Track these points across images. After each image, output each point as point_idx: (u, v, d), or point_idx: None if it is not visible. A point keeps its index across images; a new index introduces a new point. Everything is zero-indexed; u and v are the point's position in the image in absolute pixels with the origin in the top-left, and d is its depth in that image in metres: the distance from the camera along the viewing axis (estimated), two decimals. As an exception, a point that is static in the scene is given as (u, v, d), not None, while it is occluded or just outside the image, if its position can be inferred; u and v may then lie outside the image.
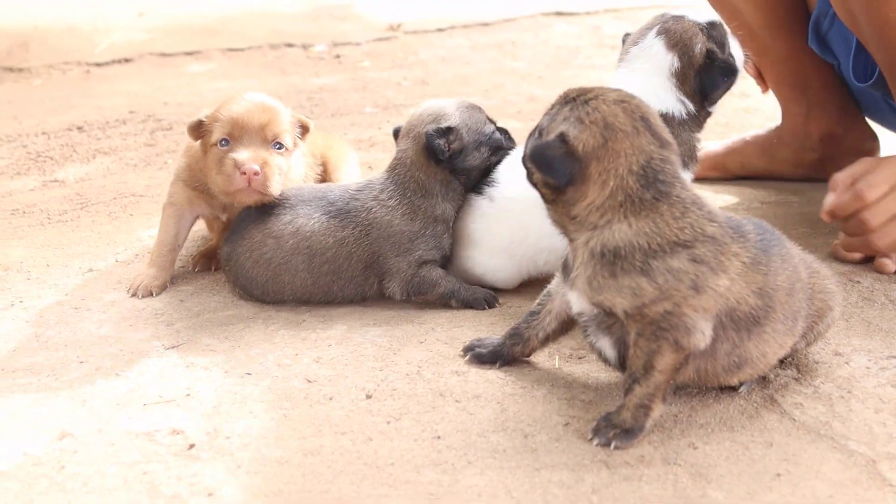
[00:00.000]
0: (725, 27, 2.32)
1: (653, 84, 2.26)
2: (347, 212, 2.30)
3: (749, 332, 1.79)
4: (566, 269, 1.85)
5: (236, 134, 2.30)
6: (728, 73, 2.24)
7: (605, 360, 1.89)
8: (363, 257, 2.29)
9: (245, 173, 2.25)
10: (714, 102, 2.28)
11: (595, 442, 1.76)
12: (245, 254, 2.31)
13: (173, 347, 2.14)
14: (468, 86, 4.34)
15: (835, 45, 2.83)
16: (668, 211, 1.74)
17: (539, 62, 4.73)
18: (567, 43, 5.07)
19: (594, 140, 1.74)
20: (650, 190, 1.74)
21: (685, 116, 2.27)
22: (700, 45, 2.25)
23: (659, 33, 2.28)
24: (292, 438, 1.80)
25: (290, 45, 5.10)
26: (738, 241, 1.77)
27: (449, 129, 2.32)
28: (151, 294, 2.37)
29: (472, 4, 5.92)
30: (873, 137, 3.05)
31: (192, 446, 1.78)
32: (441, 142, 2.30)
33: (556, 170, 1.75)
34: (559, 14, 5.65)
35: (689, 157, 2.27)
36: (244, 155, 2.27)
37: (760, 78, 3.10)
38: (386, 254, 2.29)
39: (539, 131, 1.85)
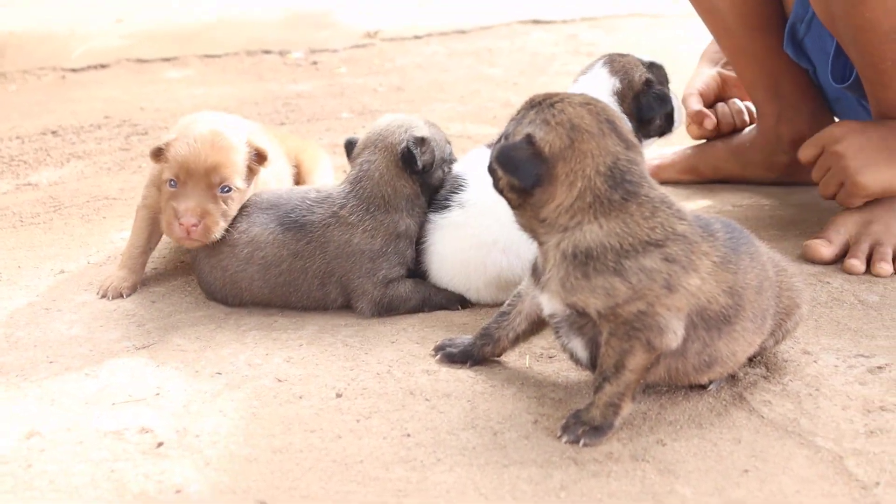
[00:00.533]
0: (664, 70, 2.54)
1: None
2: (302, 225, 2.26)
3: (720, 332, 1.79)
4: (536, 272, 1.86)
5: (182, 177, 2.25)
6: (663, 102, 2.45)
7: (577, 361, 1.89)
8: (318, 273, 2.26)
9: (183, 225, 2.22)
10: (649, 134, 2.49)
11: (564, 439, 1.76)
12: (204, 259, 2.31)
13: (144, 348, 2.13)
14: (444, 92, 4.34)
15: (810, 50, 2.85)
16: (638, 210, 1.74)
17: (515, 69, 4.74)
18: (543, 50, 5.08)
19: (560, 141, 1.75)
20: (618, 190, 1.74)
21: None
22: (640, 74, 2.47)
23: (605, 63, 2.51)
24: (261, 436, 1.80)
25: (267, 52, 5.09)
26: (708, 240, 1.78)
27: (423, 140, 2.31)
28: (121, 295, 2.37)
29: (449, 13, 5.93)
30: None
31: (160, 444, 1.77)
32: (417, 151, 2.28)
33: (523, 171, 1.75)
34: (536, 22, 5.65)
35: None
36: (184, 205, 2.23)
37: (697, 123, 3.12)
38: (348, 274, 2.26)
39: (505, 136, 1.86)
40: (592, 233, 1.73)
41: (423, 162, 2.29)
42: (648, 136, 2.49)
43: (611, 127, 1.78)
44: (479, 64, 4.86)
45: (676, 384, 1.91)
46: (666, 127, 2.51)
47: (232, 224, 2.28)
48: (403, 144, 2.29)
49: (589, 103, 1.80)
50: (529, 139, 1.76)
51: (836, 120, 3.06)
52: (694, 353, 1.80)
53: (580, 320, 1.79)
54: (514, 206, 1.84)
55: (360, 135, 2.39)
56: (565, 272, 1.75)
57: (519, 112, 1.85)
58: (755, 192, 3.06)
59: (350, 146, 2.39)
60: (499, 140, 1.89)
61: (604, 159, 1.75)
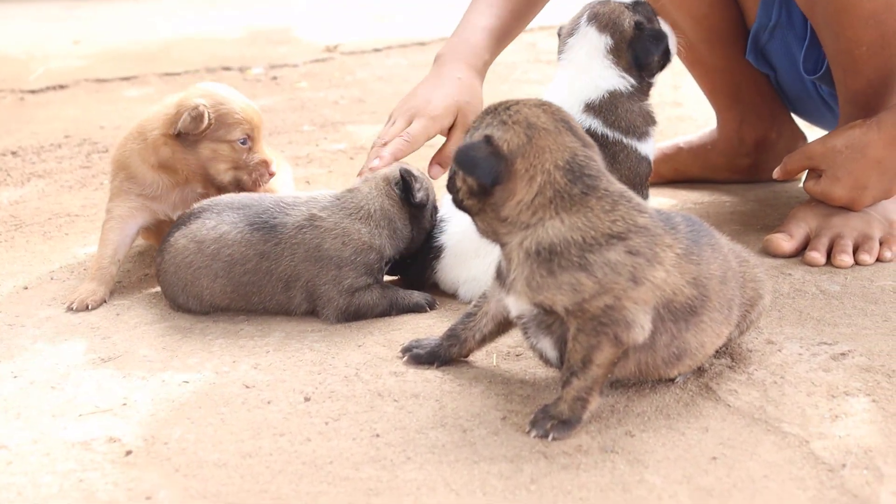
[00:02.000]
0: (648, 5, 2.47)
1: (594, 66, 2.41)
2: (273, 226, 2.26)
3: (687, 323, 1.80)
4: (500, 275, 1.86)
5: (253, 134, 2.54)
6: (658, 39, 2.41)
7: (547, 361, 1.89)
8: (283, 276, 2.26)
9: (273, 174, 2.58)
10: (652, 73, 2.45)
11: (533, 434, 1.77)
12: (170, 259, 2.30)
13: (110, 359, 2.12)
14: (406, 102, 4.35)
15: (773, 56, 2.89)
16: (598, 204, 1.75)
17: (476, 78, 4.76)
18: (503, 59, 5.07)
19: (518, 138, 1.76)
20: (578, 184, 1.75)
21: (631, 89, 2.42)
22: (628, 20, 2.40)
23: (589, 19, 2.43)
24: (230, 442, 1.79)
25: (226, 69, 5.10)
26: (670, 233, 1.79)
27: (418, 177, 2.35)
28: (87, 308, 2.35)
29: (408, 25, 5.96)
30: (803, 139, 3.11)
31: (128, 453, 1.76)
32: (413, 182, 2.32)
33: (482, 168, 1.75)
34: (495, 32, 5.69)
35: (645, 121, 2.44)
36: (264, 157, 2.57)
37: None
38: (314, 280, 2.25)
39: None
40: (555, 228, 1.73)
41: (418, 196, 2.32)
42: (652, 74, 2.45)
43: (566, 126, 1.80)
44: (440, 74, 4.87)
45: (647, 379, 1.91)
46: (664, 59, 2.46)
47: (201, 222, 2.30)
48: (397, 173, 2.33)
49: (544, 104, 1.82)
50: (488, 139, 1.77)
51: (795, 120, 3.11)
52: (663, 345, 1.81)
53: (548, 319, 1.80)
54: (475, 213, 1.83)
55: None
56: (530, 271, 1.75)
57: (475, 121, 1.86)
58: (715, 190, 3.10)
59: None
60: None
61: (561, 154, 1.76)
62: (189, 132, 2.46)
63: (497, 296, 1.92)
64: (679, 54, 2.54)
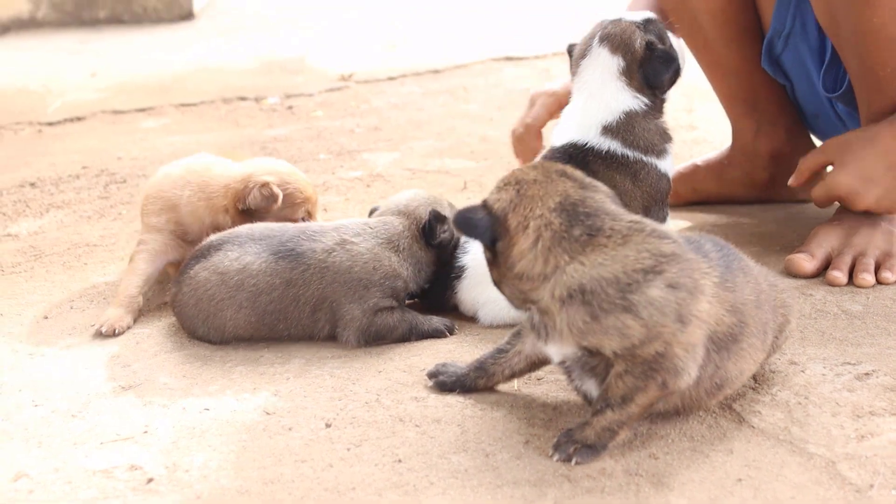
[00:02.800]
0: (660, 23, 2.47)
1: (608, 88, 2.41)
2: (300, 254, 2.27)
3: (728, 352, 1.78)
4: (536, 328, 1.81)
5: (312, 211, 2.65)
6: (668, 60, 2.40)
7: (590, 402, 1.85)
8: (311, 300, 2.26)
9: None
10: (664, 90, 2.44)
11: (556, 458, 1.76)
12: (189, 292, 2.30)
13: (130, 387, 2.12)
14: (421, 130, 4.36)
15: (788, 67, 2.88)
16: (610, 241, 1.72)
17: (491, 105, 4.77)
18: (517, 86, 5.12)
19: (508, 195, 1.80)
20: (577, 226, 1.73)
21: (645, 108, 2.42)
22: (639, 41, 2.40)
23: (601, 40, 2.42)
24: (252, 469, 1.78)
25: (242, 99, 5.11)
26: (704, 260, 1.77)
27: (444, 218, 2.37)
28: (115, 333, 2.36)
29: (422, 53, 5.97)
30: None
31: (150, 480, 1.76)
32: (438, 226, 2.35)
33: (478, 228, 1.80)
34: (509, 59, 5.70)
35: (663, 138, 2.45)
36: None
37: None
38: (340, 299, 2.26)
39: None
40: (577, 271, 1.70)
41: (441, 237, 2.36)
42: (664, 91, 2.44)
43: (560, 174, 1.82)
44: (455, 101, 4.89)
45: (688, 412, 1.88)
46: (675, 76, 2.45)
47: (223, 253, 2.30)
48: (426, 218, 2.36)
49: (540, 164, 1.86)
50: (484, 203, 1.83)
51: (812, 136, 3.09)
52: (707, 377, 1.78)
53: (592, 361, 1.76)
54: (500, 284, 1.84)
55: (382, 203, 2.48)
56: (571, 318, 1.71)
57: None
58: (734, 212, 3.08)
59: (372, 213, 2.48)
60: None
61: (552, 197, 1.77)
62: (259, 209, 2.54)
63: (533, 340, 1.88)
64: (696, 54, 2.54)
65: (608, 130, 2.39)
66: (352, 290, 2.25)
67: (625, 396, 1.72)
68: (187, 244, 2.60)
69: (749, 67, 2.96)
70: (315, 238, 2.30)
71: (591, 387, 1.81)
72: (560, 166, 1.84)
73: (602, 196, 1.81)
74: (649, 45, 2.39)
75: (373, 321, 2.25)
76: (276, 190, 2.53)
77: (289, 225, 2.40)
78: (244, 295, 2.26)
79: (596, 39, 2.44)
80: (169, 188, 2.64)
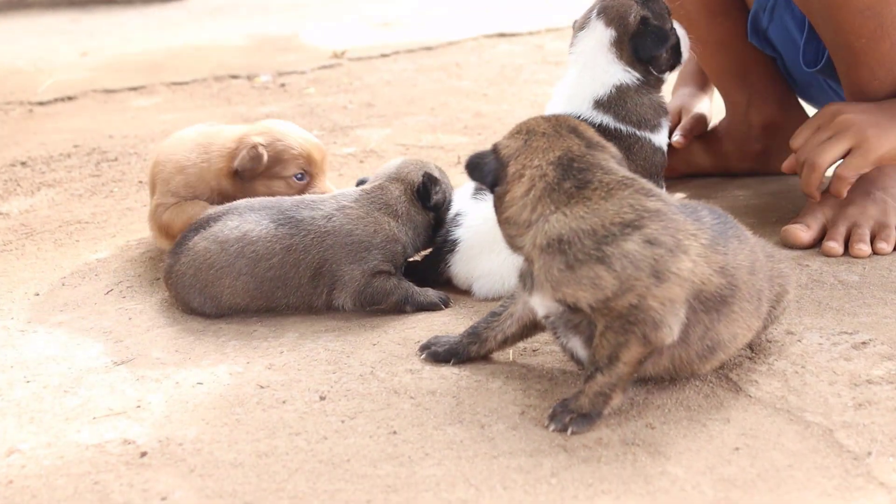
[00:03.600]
0: (664, 4, 2.44)
1: (599, 61, 2.40)
2: (300, 220, 2.28)
3: (719, 314, 1.77)
4: (524, 278, 1.85)
5: (311, 170, 2.61)
6: (660, 37, 2.37)
7: (578, 361, 1.87)
8: (312, 265, 2.26)
9: None
10: (661, 69, 2.43)
11: (552, 427, 1.75)
12: (187, 262, 2.29)
13: (123, 363, 2.10)
14: (414, 105, 4.34)
15: (775, 39, 2.86)
16: (595, 194, 1.75)
17: (484, 80, 4.75)
18: (511, 61, 5.10)
19: (516, 144, 1.85)
20: (568, 179, 1.76)
21: (637, 83, 2.40)
22: (634, 14, 2.38)
23: (599, 13, 2.41)
24: (246, 442, 1.77)
25: (234, 77, 5.08)
26: (693, 222, 1.76)
27: (437, 180, 2.38)
28: None
29: (414, 30, 5.95)
30: None
31: (143, 454, 1.75)
32: (433, 188, 2.36)
33: (481, 172, 1.86)
34: (502, 35, 5.68)
35: (657, 112, 2.43)
36: (322, 190, 2.60)
37: None
38: (339, 261, 2.26)
39: None
40: (559, 221, 1.73)
41: (434, 199, 2.37)
42: (661, 71, 2.43)
43: (570, 130, 1.85)
44: (448, 78, 4.87)
45: (680, 375, 1.87)
46: (675, 60, 2.45)
47: (222, 223, 2.29)
48: (420, 180, 2.37)
49: (556, 118, 1.89)
50: (494, 147, 1.88)
51: (804, 107, 3.08)
52: (697, 338, 1.77)
53: (575, 318, 1.77)
54: (499, 224, 1.87)
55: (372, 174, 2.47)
56: (548, 265, 1.73)
57: None
58: (729, 184, 3.07)
59: (360, 184, 2.46)
60: None
61: (554, 152, 1.81)
62: (246, 170, 2.53)
63: (523, 298, 1.90)
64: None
65: (600, 104, 2.37)
66: (353, 252, 2.26)
67: (611, 356, 1.72)
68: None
69: (736, 41, 2.94)
70: (314, 206, 2.31)
71: (576, 345, 1.82)
72: (574, 122, 1.88)
73: (605, 155, 1.84)
74: (644, 20, 2.38)
75: (370, 282, 2.25)
76: (261, 151, 2.53)
77: (286, 197, 2.39)
78: (243, 262, 2.25)
79: (595, 12, 2.43)
80: (180, 151, 2.65)
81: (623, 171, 1.80)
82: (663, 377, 1.87)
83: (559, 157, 1.79)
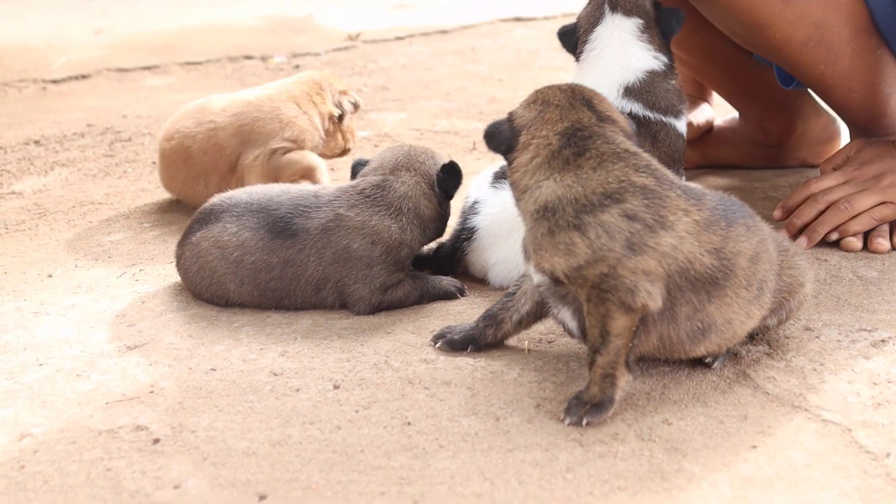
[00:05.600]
0: None
1: (630, 49, 2.39)
2: (295, 233, 2.20)
3: (709, 294, 1.74)
4: (525, 248, 1.86)
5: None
6: (679, 17, 2.41)
7: (570, 333, 1.86)
8: (312, 280, 2.21)
9: None
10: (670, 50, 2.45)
11: (567, 421, 1.73)
12: (192, 258, 2.27)
13: (136, 347, 2.09)
14: (429, 90, 4.32)
15: None
16: (587, 163, 1.76)
17: (499, 65, 4.73)
18: (527, 46, 5.07)
19: (531, 114, 1.88)
20: (569, 147, 1.79)
21: (664, 68, 2.40)
22: (647, 1, 2.41)
23: (612, 7, 2.40)
24: (259, 430, 1.76)
25: (248, 58, 5.07)
26: (689, 200, 1.74)
27: (453, 169, 2.32)
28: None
29: (430, 13, 5.92)
30: (832, 123, 3.05)
31: (156, 441, 1.74)
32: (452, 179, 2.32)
33: (495, 140, 1.90)
34: (518, 20, 5.65)
35: (680, 99, 2.43)
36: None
37: None
38: (344, 279, 2.20)
39: None
40: (549, 188, 1.76)
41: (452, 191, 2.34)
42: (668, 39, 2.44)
43: (583, 102, 1.87)
44: (464, 62, 4.84)
45: (673, 356, 1.85)
46: (677, 24, 2.44)
47: (222, 225, 2.26)
48: (438, 169, 2.31)
49: (572, 89, 1.90)
50: (510, 115, 1.92)
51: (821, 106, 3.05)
52: (685, 317, 1.75)
53: (561, 289, 1.78)
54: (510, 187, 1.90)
55: (373, 158, 2.37)
56: (533, 230, 1.76)
57: None
58: (746, 176, 3.05)
59: (358, 167, 2.36)
60: None
61: (563, 123, 1.83)
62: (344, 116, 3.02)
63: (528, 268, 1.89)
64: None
65: (630, 92, 2.35)
66: (354, 270, 2.20)
67: (601, 331, 1.70)
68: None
69: (746, 62, 2.91)
70: (309, 214, 2.21)
71: (566, 315, 1.83)
72: (590, 94, 1.90)
73: (614, 129, 1.84)
74: (656, 4, 2.41)
75: (382, 299, 2.21)
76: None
77: (284, 196, 2.28)
78: (245, 271, 2.22)
79: (606, 6, 2.41)
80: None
81: (626, 145, 1.80)
82: (657, 357, 1.85)
83: (566, 128, 1.82)
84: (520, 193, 1.83)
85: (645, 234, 1.68)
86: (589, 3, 2.46)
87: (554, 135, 1.81)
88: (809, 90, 2.87)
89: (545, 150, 1.81)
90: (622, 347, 1.71)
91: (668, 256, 1.69)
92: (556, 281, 1.75)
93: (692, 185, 1.82)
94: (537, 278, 1.81)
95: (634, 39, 2.38)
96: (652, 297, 1.69)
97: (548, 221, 1.73)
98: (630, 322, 1.70)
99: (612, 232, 1.68)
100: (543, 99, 1.88)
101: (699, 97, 3.16)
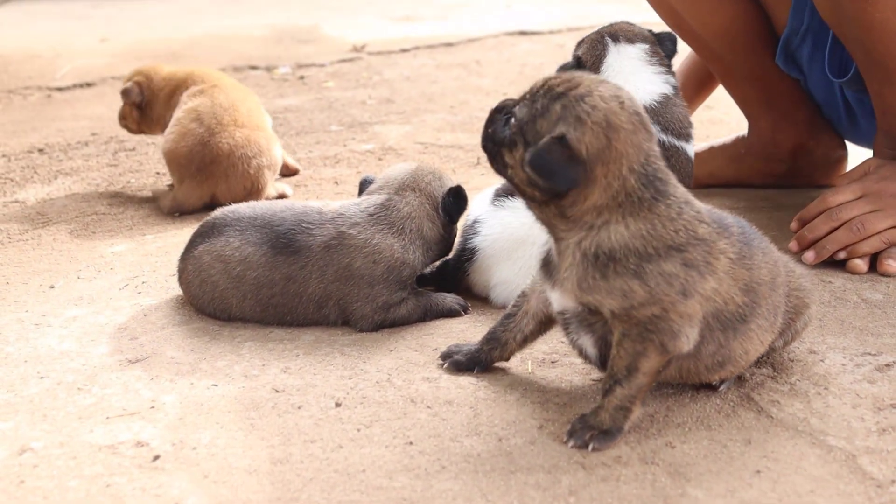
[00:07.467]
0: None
1: (643, 73, 2.44)
2: (297, 250, 2.20)
3: (735, 332, 1.75)
4: (548, 267, 1.78)
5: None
6: (674, 39, 2.48)
7: (586, 358, 1.84)
8: (314, 297, 2.20)
9: None
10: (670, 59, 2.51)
11: (571, 444, 1.72)
12: (194, 272, 2.27)
13: (137, 361, 2.09)
14: (434, 103, 4.32)
15: (803, 59, 2.83)
16: (666, 212, 1.67)
17: (504, 79, 4.73)
18: (531, 60, 5.07)
19: (598, 141, 1.63)
20: (649, 189, 1.66)
21: (674, 92, 2.44)
22: (643, 30, 2.47)
23: (613, 38, 2.46)
24: (260, 448, 1.75)
25: (253, 68, 5.07)
26: (724, 237, 1.72)
27: (459, 193, 2.30)
28: None
29: (435, 26, 5.92)
30: (842, 146, 3.05)
31: (156, 458, 1.73)
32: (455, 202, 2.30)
33: (559, 175, 1.64)
34: (523, 33, 5.66)
35: (689, 122, 2.46)
36: None
37: None
38: (346, 297, 2.19)
39: (521, 126, 1.70)
40: (618, 233, 1.66)
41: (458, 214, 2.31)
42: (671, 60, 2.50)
43: (639, 119, 1.68)
44: (468, 75, 4.84)
45: (686, 382, 1.86)
46: (672, 49, 2.50)
47: (224, 239, 2.24)
48: (444, 192, 2.28)
49: (619, 95, 1.68)
50: (563, 141, 1.63)
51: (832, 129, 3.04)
52: (708, 354, 1.76)
53: (591, 318, 1.74)
54: (535, 203, 1.73)
55: (379, 176, 2.36)
56: (583, 272, 1.67)
57: (534, 98, 1.71)
58: (752, 196, 3.04)
59: (365, 184, 2.36)
60: (495, 119, 1.79)
61: (637, 157, 1.66)
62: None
63: (540, 288, 1.86)
64: (707, 64, 2.57)
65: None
66: (356, 289, 2.19)
67: (629, 366, 1.69)
68: None
69: (761, 71, 2.92)
70: (311, 232, 2.20)
71: (587, 342, 1.79)
72: (636, 105, 1.69)
73: (658, 148, 1.72)
74: (651, 32, 2.47)
75: (385, 317, 2.20)
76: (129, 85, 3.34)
77: (288, 211, 2.26)
78: (247, 287, 2.22)
79: (608, 40, 2.46)
80: None
81: (681, 186, 1.75)
82: (670, 382, 1.86)
83: (643, 164, 1.66)
84: (572, 225, 1.69)
85: (697, 280, 1.67)
86: (585, 41, 2.49)
87: (630, 174, 1.65)
88: (853, 90, 2.87)
89: (624, 193, 1.65)
90: (646, 386, 1.71)
91: (710, 300, 1.69)
92: (592, 312, 1.72)
93: (709, 207, 1.80)
94: (561, 306, 1.77)
95: (645, 65, 2.41)
96: (689, 342, 1.69)
97: (606, 268, 1.65)
98: (661, 363, 1.70)
99: (672, 280, 1.65)
100: (606, 120, 1.63)
101: (695, 98, 3.17)
